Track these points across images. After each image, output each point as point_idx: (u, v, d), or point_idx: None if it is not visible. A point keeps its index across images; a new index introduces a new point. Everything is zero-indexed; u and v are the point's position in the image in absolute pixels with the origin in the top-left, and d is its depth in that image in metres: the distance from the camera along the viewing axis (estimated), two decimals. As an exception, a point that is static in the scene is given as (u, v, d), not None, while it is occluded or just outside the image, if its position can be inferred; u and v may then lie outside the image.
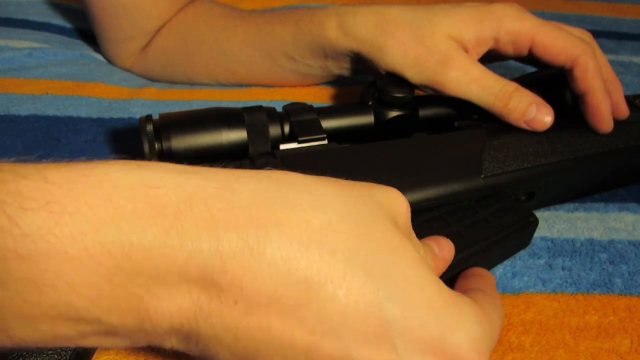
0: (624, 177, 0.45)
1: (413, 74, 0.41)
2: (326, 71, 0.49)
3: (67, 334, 0.22)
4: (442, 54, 0.40)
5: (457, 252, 0.32)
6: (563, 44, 0.40)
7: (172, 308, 0.22)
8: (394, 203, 0.27)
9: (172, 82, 0.56)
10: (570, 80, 0.41)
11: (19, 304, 0.21)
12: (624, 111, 0.42)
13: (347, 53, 0.45)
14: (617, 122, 0.42)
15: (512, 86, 0.40)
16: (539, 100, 0.40)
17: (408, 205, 0.27)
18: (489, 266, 0.37)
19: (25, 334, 0.21)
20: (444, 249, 0.30)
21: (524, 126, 0.40)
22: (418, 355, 0.23)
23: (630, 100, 0.44)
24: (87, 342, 0.23)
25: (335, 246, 0.23)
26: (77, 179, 0.21)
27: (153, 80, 0.57)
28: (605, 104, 0.40)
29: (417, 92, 0.43)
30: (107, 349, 0.32)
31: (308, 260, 0.22)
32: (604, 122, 0.41)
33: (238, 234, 0.22)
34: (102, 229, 0.21)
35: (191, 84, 0.56)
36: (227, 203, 0.22)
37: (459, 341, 0.24)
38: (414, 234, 0.28)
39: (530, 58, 0.42)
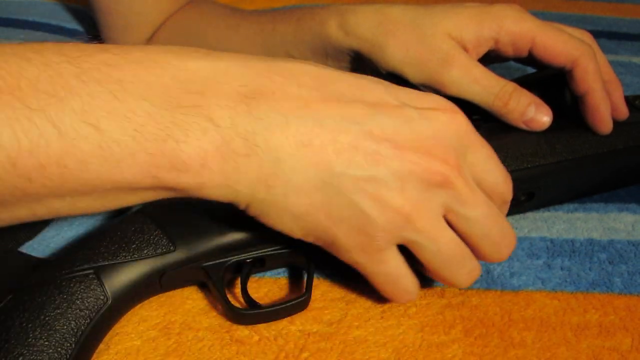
0: (624, 177, 0.45)
1: (414, 74, 0.41)
2: None
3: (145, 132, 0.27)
4: (443, 54, 0.40)
5: None
6: (563, 45, 0.40)
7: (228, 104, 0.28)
8: None
9: None
10: (570, 81, 0.41)
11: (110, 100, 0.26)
12: (623, 112, 0.42)
13: (348, 52, 0.45)
14: (617, 123, 0.42)
15: (512, 86, 0.40)
16: (537, 100, 0.40)
17: None
18: None
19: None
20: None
21: (523, 126, 0.40)
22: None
23: (630, 100, 0.44)
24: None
25: None
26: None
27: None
28: (604, 105, 0.40)
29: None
30: (107, 347, 0.32)
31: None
32: (603, 123, 0.41)
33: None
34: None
35: None
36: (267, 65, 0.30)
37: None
38: None
39: (530, 59, 0.42)
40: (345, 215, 0.30)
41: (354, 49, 0.44)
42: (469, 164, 0.32)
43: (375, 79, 0.32)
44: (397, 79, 0.42)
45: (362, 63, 0.45)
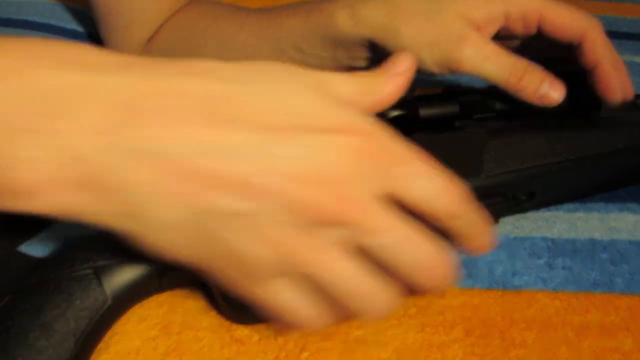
0: (624, 177, 0.45)
1: (429, 55, 0.42)
2: (336, 62, 0.49)
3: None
4: (457, 33, 0.41)
5: None
6: (571, 18, 0.41)
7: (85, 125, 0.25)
8: None
9: None
10: (579, 56, 0.41)
11: None
12: (629, 90, 0.42)
13: (359, 42, 0.45)
14: (618, 123, 0.42)
15: (525, 62, 0.41)
16: (551, 77, 0.41)
17: None
18: None
19: None
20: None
21: (537, 102, 0.40)
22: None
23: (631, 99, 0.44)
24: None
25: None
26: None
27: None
28: (615, 74, 0.41)
29: (418, 91, 0.43)
30: (106, 347, 0.32)
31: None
32: (617, 91, 0.41)
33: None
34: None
35: None
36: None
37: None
38: None
39: (538, 38, 0.43)
40: (217, 251, 0.27)
41: (366, 37, 0.44)
42: (387, 184, 0.28)
43: (288, 89, 0.28)
44: None
45: (373, 52, 0.46)
